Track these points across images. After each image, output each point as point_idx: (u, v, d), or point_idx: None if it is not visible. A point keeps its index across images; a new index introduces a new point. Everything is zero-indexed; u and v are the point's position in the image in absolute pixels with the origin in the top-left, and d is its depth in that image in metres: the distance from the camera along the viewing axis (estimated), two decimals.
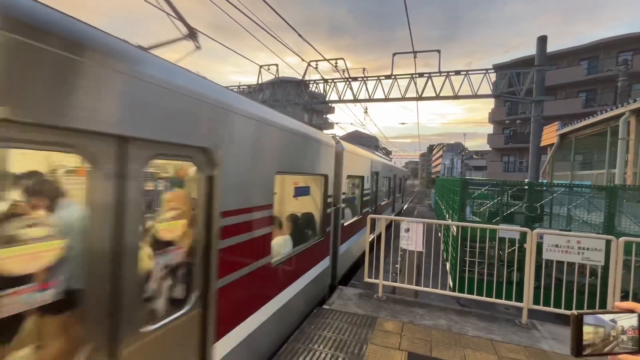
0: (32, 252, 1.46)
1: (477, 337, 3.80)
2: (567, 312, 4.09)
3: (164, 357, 2.00)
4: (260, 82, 14.97)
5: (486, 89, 11.72)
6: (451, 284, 6.35)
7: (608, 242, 4.03)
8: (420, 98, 12.32)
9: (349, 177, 6.32)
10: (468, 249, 5.71)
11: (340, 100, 13.63)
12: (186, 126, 2.05)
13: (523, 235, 4.49)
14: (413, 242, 4.87)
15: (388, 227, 10.82)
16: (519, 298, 4.27)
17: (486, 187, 7.37)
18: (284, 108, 13.83)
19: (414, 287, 4.97)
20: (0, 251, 1.37)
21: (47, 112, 1.30)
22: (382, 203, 11.64)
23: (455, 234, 6.65)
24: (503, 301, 4.44)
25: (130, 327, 1.74)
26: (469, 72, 11.79)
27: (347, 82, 13.38)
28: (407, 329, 3.92)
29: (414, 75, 12.32)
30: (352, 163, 6.35)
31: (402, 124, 37.76)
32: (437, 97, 12.11)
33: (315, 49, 10.29)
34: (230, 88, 3.91)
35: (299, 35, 8.59)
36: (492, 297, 4.47)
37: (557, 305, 4.15)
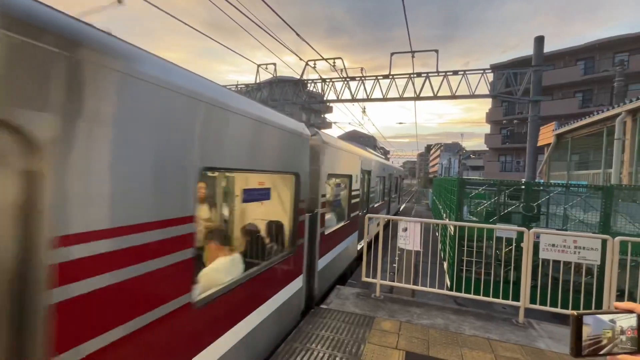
0: None
1: (474, 336, 3.81)
2: (564, 311, 4.12)
3: None
4: (258, 81, 14.95)
5: (484, 89, 11.79)
6: (448, 283, 6.37)
7: (604, 242, 4.05)
8: (418, 98, 12.35)
9: (331, 176, 5.46)
10: (465, 248, 5.73)
11: (338, 100, 13.64)
12: None
13: (520, 234, 4.51)
14: (411, 241, 4.88)
15: (385, 226, 10.77)
16: (516, 297, 4.29)
17: (483, 187, 7.40)
18: (282, 107, 13.82)
19: (411, 286, 4.98)
20: None
21: None
22: (376, 205, 10.72)
23: (452, 233, 6.68)
24: (500, 300, 4.46)
25: None
26: (467, 72, 11.83)
27: (345, 82, 13.38)
28: (404, 328, 3.93)
29: (411, 75, 12.35)
30: (334, 159, 5.42)
31: (400, 123, 37.83)
32: (435, 97, 12.14)
33: (314, 48, 10.29)
34: (228, 87, 3.75)
35: (297, 34, 8.58)
36: (489, 297, 4.49)
37: (554, 304, 4.17)
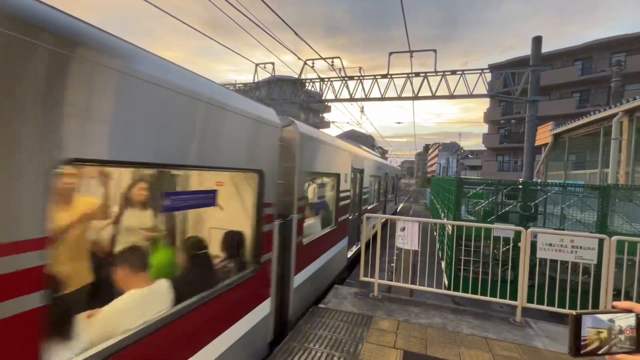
0: None
1: (472, 335, 3.82)
2: (561, 310, 4.14)
3: None
4: (256, 80, 14.92)
5: (482, 88, 11.80)
6: (446, 282, 6.39)
7: (601, 241, 4.07)
8: (416, 97, 12.36)
9: (312, 174, 4.79)
10: (463, 247, 5.74)
11: (337, 99, 13.63)
12: None
13: (517, 234, 4.52)
14: (409, 241, 4.89)
15: (383, 226, 10.67)
16: (513, 296, 4.30)
17: (481, 187, 7.41)
18: (280, 106, 13.81)
19: (409, 285, 4.99)
20: None
21: None
22: (370, 207, 9.83)
23: (450, 232, 6.69)
24: (497, 299, 4.48)
25: None
26: (465, 72, 11.85)
27: (344, 81, 13.37)
28: (402, 328, 3.94)
29: (410, 75, 12.36)
30: (316, 155, 4.60)
31: (398, 123, 37.87)
32: (433, 97, 12.16)
33: (312, 48, 10.28)
34: (226, 86, 3.68)
35: (296, 33, 8.57)
36: (486, 296, 4.50)
37: (551, 303, 4.19)
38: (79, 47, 1.39)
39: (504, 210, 6.44)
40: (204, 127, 2.23)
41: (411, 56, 11.96)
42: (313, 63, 13.35)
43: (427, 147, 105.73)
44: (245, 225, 3.06)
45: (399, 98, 12.61)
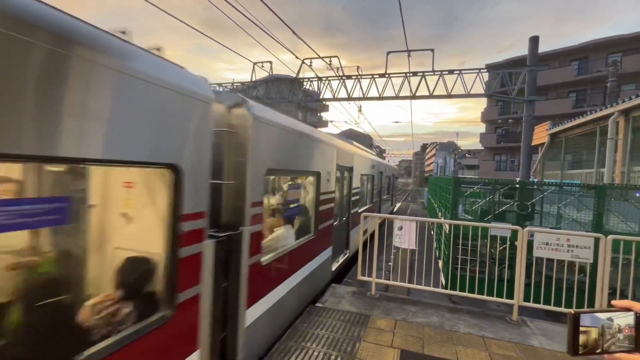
0: None
1: (469, 334, 3.84)
2: (557, 308, 4.16)
3: None
4: (254, 79, 14.88)
5: (479, 88, 11.83)
6: (443, 281, 6.41)
7: (597, 240, 4.09)
8: (414, 97, 12.37)
9: (275, 172, 3.69)
10: (460, 246, 5.76)
11: (334, 99, 13.62)
12: None
13: (514, 233, 4.54)
14: (406, 240, 4.89)
15: (380, 225, 10.55)
16: (510, 295, 4.32)
17: (478, 186, 7.44)
18: (278, 105, 13.78)
19: (406, 284, 5.00)
20: None
21: None
22: (361, 209, 8.55)
23: (447, 232, 6.71)
24: (494, 298, 4.50)
25: None
26: (462, 72, 11.87)
27: (341, 80, 13.37)
28: (399, 327, 3.95)
29: (407, 74, 12.37)
30: (282, 148, 3.60)
31: (396, 122, 37.92)
32: (431, 96, 12.18)
33: (310, 47, 10.26)
34: (224, 85, 3.60)
35: (294, 32, 8.56)
36: (483, 295, 4.52)
37: (547, 302, 4.21)
38: None
39: (501, 210, 6.47)
40: (59, 92, 1.35)
41: (409, 55, 11.96)
42: (311, 62, 13.34)
43: (424, 147, 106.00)
44: (151, 247, 2.09)
45: (397, 97, 12.62)
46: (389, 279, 5.27)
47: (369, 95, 13.09)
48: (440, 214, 11.17)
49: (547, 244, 4.23)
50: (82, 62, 1.43)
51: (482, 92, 12.16)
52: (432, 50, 11.99)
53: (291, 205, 4.56)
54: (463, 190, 7.18)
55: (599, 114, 10.25)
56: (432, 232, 11.41)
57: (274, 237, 3.90)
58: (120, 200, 2.16)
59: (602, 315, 0.76)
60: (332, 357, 3.25)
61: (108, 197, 2.16)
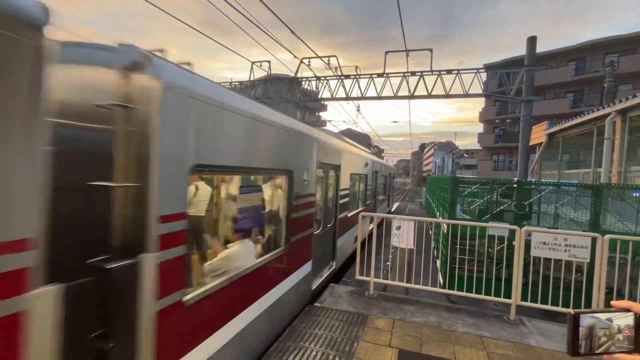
0: None
1: (467, 334, 3.85)
2: (555, 308, 4.18)
3: None
4: (252, 78, 14.86)
5: (477, 88, 11.84)
6: (441, 281, 6.42)
7: (594, 240, 4.11)
8: (412, 97, 12.38)
9: (210, 170, 2.73)
10: (458, 246, 5.78)
11: (333, 98, 13.61)
12: None
13: (512, 232, 4.56)
14: (404, 239, 4.90)
15: (379, 225, 10.46)
16: (508, 295, 4.33)
17: (476, 186, 7.46)
18: (277, 105, 13.77)
19: (405, 284, 5.01)
20: None
21: None
22: (351, 214, 7.53)
23: (445, 231, 6.72)
24: (492, 298, 4.51)
25: None
26: (460, 72, 11.89)
27: (340, 80, 13.36)
28: (397, 326, 3.95)
29: (406, 74, 12.37)
30: (223, 135, 2.63)
31: (394, 122, 37.95)
32: (429, 96, 12.18)
33: (308, 46, 10.26)
34: (222, 85, 3.40)
35: (292, 32, 8.55)
36: (481, 294, 4.54)
37: (545, 301, 4.23)
38: None
39: (498, 209, 6.48)
40: None
41: (407, 55, 11.97)
42: (309, 62, 13.32)
43: (423, 146, 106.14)
44: None
45: (395, 97, 12.62)
46: (387, 279, 5.28)
47: (367, 95, 13.08)
48: (438, 213, 11.19)
49: (544, 243, 4.25)
50: None
51: (480, 92, 12.17)
52: (431, 50, 12.00)
53: (249, 215, 3.52)
54: (461, 190, 7.20)
55: (596, 114, 10.29)
56: (431, 232, 11.44)
57: (220, 259, 2.98)
58: None
59: (602, 316, 0.76)
60: (330, 357, 3.25)
61: None
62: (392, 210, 21.04)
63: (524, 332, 3.97)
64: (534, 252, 4.29)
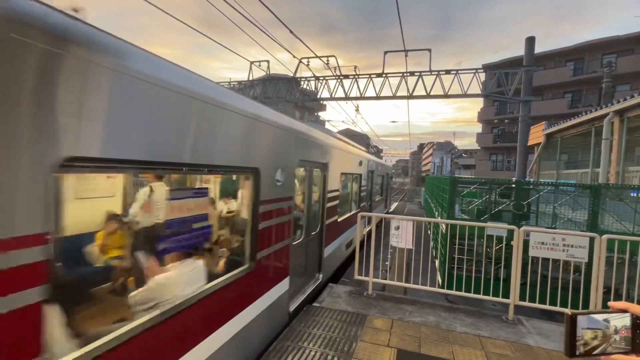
0: None
1: (465, 333, 3.85)
2: (552, 308, 4.19)
3: None
4: (251, 78, 14.84)
5: (476, 88, 11.89)
6: (440, 281, 6.43)
7: (592, 240, 4.12)
8: (411, 97, 12.39)
9: (98, 166, 1.71)
10: (457, 246, 5.78)
11: (332, 98, 13.61)
12: None
13: (510, 232, 4.56)
14: (403, 239, 4.90)
15: (377, 225, 10.37)
16: (506, 294, 4.34)
17: (475, 186, 7.47)
18: (275, 105, 13.76)
19: (403, 284, 5.02)
20: None
21: None
22: (341, 219, 6.83)
23: (444, 231, 6.73)
24: (490, 298, 4.52)
25: None
26: (459, 72, 11.91)
27: (339, 80, 13.36)
28: (396, 326, 3.95)
29: (405, 74, 12.38)
30: (142, 116, 1.84)
31: (393, 122, 37.99)
32: (428, 96, 12.19)
33: (307, 46, 10.26)
34: (221, 84, 2.84)
35: (291, 31, 8.54)
36: (479, 294, 4.54)
37: (543, 301, 4.24)
38: None
39: (497, 209, 6.50)
40: None
41: (406, 55, 11.97)
42: (308, 61, 13.31)
43: (421, 146, 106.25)
44: None
45: (394, 97, 12.62)
46: (386, 279, 5.28)
47: (366, 95, 13.09)
48: (437, 213, 11.20)
49: (542, 243, 4.26)
50: None
51: (479, 92, 12.20)
52: (429, 50, 12.01)
53: (185, 228, 2.52)
54: (460, 190, 7.21)
55: (594, 114, 10.33)
56: (429, 232, 11.46)
57: (147, 289, 2.25)
58: None
59: (599, 317, 0.76)
60: (329, 357, 3.25)
61: None
62: (391, 210, 20.97)
63: (522, 331, 3.98)
64: (532, 252, 4.30)
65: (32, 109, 1.30)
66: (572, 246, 4.15)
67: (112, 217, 3.36)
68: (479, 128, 36.74)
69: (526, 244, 4.35)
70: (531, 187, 6.96)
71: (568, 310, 0.77)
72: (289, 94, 14.63)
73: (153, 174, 3.34)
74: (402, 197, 40.43)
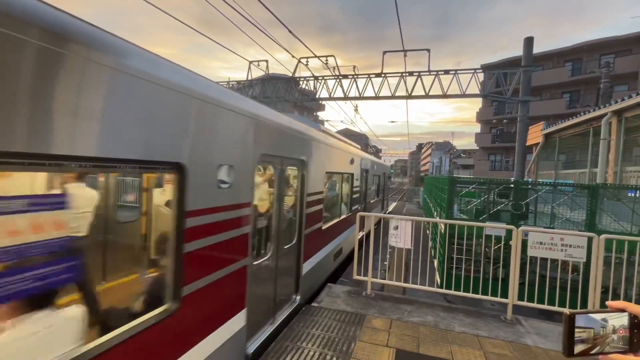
0: None
1: (464, 333, 3.86)
2: (551, 307, 4.20)
3: None
4: (250, 78, 14.83)
5: (474, 88, 11.94)
6: (439, 280, 6.44)
7: (590, 239, 4.14)
8: (409, 97, 12.40)
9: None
10: (455, 246, 5.79)
11: (331, 98, 13.62)
12: None
13: (509, 232, 4.57)
14: (402, 239, 4.90)
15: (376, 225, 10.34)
16: (504, 294, 4.35)
17: (473, 186, 7.48)
18: (274, 105, 13.74)
19: (402, 284, 5.02)
20: None
21: None
22: (329, 224, 6.13)
23: (443, 231, 6.74)
24: (489, 297, 4.52)
25: None
26: (458, 72, 11.94)
27: (338, 80, 13.36)
28: (395, 326, 3.95)
29: (403, 74, 12.39)
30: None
31: (392, 122, 38.04)
32: (427, 96, 12.21)
33: (306, 46, 10.25)
34: (220, 84, 2.59)
35: (290, 31, 8.53)
36: (478, 294, 4.55)
37: (541, 301, 4.24)
38: None
39: (495, 209, 6.51)
40: None
41: (405, 55, 11.98)
42: (307, 61, 13.31)
43: (420, 146, 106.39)
44: None
45: (393, 97, 12.64)
46: (384, 279, 5.29)
47: (365, 95, 13.09)
48: (435, 213, 11.22)
49: (541, 243, 4.27)
50: None
51: (478, 92, 12.25)
52: (428, 50, 12.03)
53: (48, 258, 1.55)
54: (458, 190, 7.22)
55: (592, 114, 10.36)
56: (428, 232, 11.47)
57: None
58: None
59: (597, 316, 0.76)
60: (328, 357, 3.25)
61: None
62: (389, 211, 20.91)
63: (520, 331, 3.99)
64: (530, 252, 4.31)
65: None
66: (570, 246, 4.16)
67: None
68: (477, 128, 36.83)
69: (524, 243, 4.36)
70: (529, 187, 6.97)
71: (566, 310, 0.77)
72: (287, 93, 14.62)
73: None
74: (401, 197, 40.47)
